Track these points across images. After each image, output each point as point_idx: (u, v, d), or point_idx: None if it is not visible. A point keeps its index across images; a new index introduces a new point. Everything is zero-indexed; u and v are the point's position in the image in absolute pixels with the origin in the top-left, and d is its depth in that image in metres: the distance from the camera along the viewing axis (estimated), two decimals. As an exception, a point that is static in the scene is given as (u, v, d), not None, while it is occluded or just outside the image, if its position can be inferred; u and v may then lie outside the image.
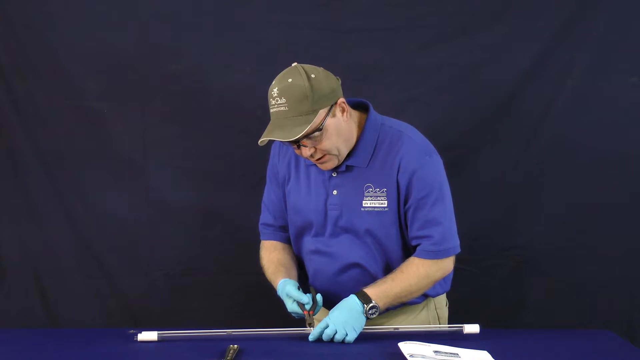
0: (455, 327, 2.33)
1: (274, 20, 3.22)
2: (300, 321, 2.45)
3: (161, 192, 3.31)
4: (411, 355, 2.00)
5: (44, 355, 2.16)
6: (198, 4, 3.24)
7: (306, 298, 2.31)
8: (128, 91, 3.27)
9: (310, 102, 2.23)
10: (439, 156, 2.42)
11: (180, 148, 3.30)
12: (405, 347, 2.05)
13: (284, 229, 2.56)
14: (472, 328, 2.30)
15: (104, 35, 3.24)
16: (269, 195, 2.57)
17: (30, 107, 3.27)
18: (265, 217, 2.59)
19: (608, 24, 3.15)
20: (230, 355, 2.06)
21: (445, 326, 2.44)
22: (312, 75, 2.25)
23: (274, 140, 2.31)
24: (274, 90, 2.25)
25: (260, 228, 2.61)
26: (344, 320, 2.23)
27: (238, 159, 3.26)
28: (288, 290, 2.32)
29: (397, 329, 2.33)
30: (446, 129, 3.19)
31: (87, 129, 3.28)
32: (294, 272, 2.48)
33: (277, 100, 2.24)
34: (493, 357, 2.06)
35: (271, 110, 2.27)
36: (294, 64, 2.31)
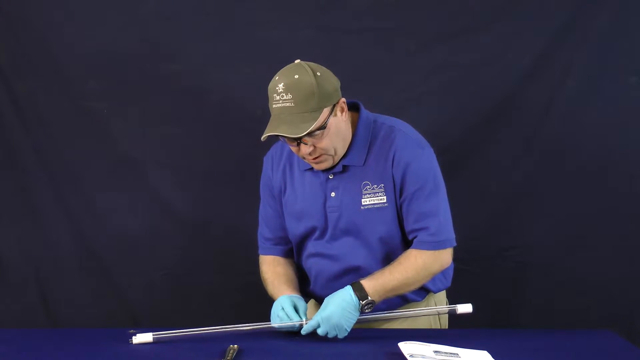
0: (449, 307, 2.33)
1: (274, 20, 3.22)
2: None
3: (161, 192, 3.32)
4: (411, 355, 2.00)
5: (43, 355, 2.16)
6: (198, 4, 3.24)
7: (296, 317, 2.28)
8: (128, 91, 3.28)
9: (317, 99, 2.22)
10: (431, 149, 2.41)
11: (180, 148, 3.31)
12: (405, 347, 2.05)
13: (282, 241, 2.54)
14: (465, 308, 2.30)
15: (104, 35, 3.24)
16: (265, 208, 2.56)
17: (30, 107, 3.27)
18: (263, 230, 2.57)
19: (608, 23, 3.15)
20: (230, 355, 2.06)
21: (438, 307, 2.42)
22: (318, 73, 2.25)
23: (277, 137, 2.29)
24: (279, 86, 2.23)
25: (259, 242, 2.60)
26: (336, 322, 2.22)
27: (238, 159, 3.26)
28: (286, 306, 2.29)
29: (393, 313, 2.34)
30: (446, 129, 3.19)
31: (87, 129, 3.28)
32: (297, 287, 2.47)
33: (282, 96, 2.22)
34: (493, 357, 2.06)
35: (274, 106, 2.25)
36: (296, 61, 2.31)
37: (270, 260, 2.55)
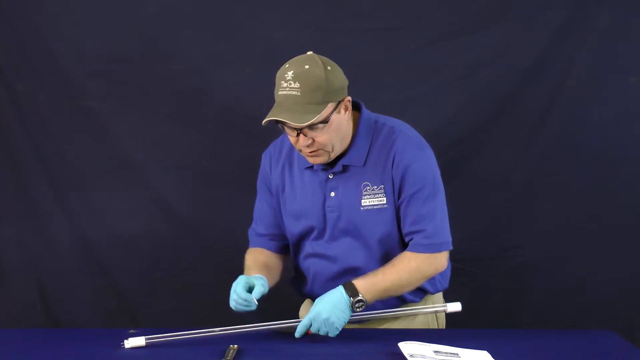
0: (439, 307, 2.34)
1: (274, 20, 3.22)
2: (292, 316, 2.47)
3: (161, 192, 3.32)
4: (411, 355, 2.00)
5: (43, 355, 2.16)
6: (198, 4, 3.24)
7: (248, 296, 2.26)
8: (128, 91, 3.28)
9: (323, 93, 2.22)
10: (432, 151, 2.40)
11: (180, 148, 3.31)
12: (405, 347, 2.05)
13: (275, 238, 2.53)
14: (454, 307, 2.32)
15: (104, 35, 3.24)
16: (261, 204, 2.54)
17: (30, 107, 3.27)
18: (257, 226, 2.56)
19: (608, 23, 3.16)
20: (230, 355, 2.06)
21: (429, 306, 2.41)
22: (329, 68, 2.25)
23: (279, 122, 2.25)
24: (289, 74, 2.22)
25: (251, 237, 2.58)
26: (326, 317, 2.21)
27: (238, 158, 3.26)
28: (239, 287, 2.27)
29: (385, 313, 2.34)
30: (446, 129, 3.19)
31: (87, 129, 3.28)
32: (275, 276, 2.45)
33: (290, 84, 2.21)
34: (493, 357, 2.06)
35: (280, 93, 2.24)
36: (309, 53, 2.30)
37: (256, 249, 2.54)
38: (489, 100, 3.23)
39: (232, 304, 2.28)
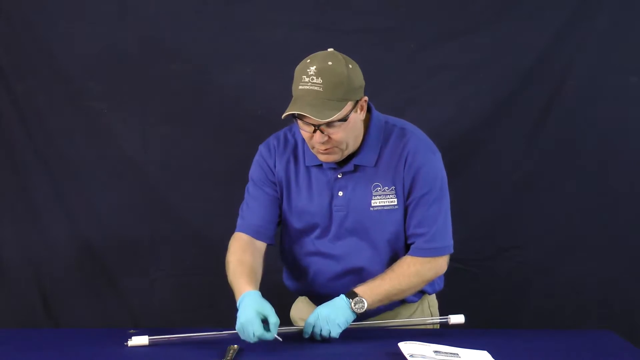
0: (441, 319, 2.34)
1: (274, 20, 3.22)
2: (285, 315, 2.47)
3: (161, 192, 3.32)
4: (411, 355, 2.00)
5: (43, 355, 2.16)
6: (198, 4, 3.24)
7: (270, 335, 2.18)
8: (128, 91, 3.28)
9: (344, 90, 2.22)
10: (440, 154, 2.41)
11: (180, 148, 3.31)
12: (405, 347, 2.05)
13: (268, 227, 2.45)
14: (457, 319, 2.31)
15: (104, 35, 3.24)
16: (257, 192, 2.48)
17: (30, 107, 3.27)
18: (251, 211, 2.47)
19: (608, 24, 3.16)
20: (230, 355, 2.06)
21: (429, 319, 2.43)
22: (350, 66, 2.26)
23: (296, 117, 2.22)
24: (311, 69, 2.22)
25: (241, 216, 2.48)
26: (327, 314, 2.22)
27: (238, 158, 3.24)
28: (256, 329, 2.16)
29: (387, 322, 2.35)
30: (446, 129, 3.19)
31: (87, 129, 3.28)
32: (259, 279, 2.36)
33: (312, 79, 2.21)
34: (493, 357, 2.06)
35: (300, 87, 2.22)
36: (330, 49, 2.30)
37: (240, 244, 2.42)
38: (489, 100, 3.23)
39: (250, 341, 2.17)
